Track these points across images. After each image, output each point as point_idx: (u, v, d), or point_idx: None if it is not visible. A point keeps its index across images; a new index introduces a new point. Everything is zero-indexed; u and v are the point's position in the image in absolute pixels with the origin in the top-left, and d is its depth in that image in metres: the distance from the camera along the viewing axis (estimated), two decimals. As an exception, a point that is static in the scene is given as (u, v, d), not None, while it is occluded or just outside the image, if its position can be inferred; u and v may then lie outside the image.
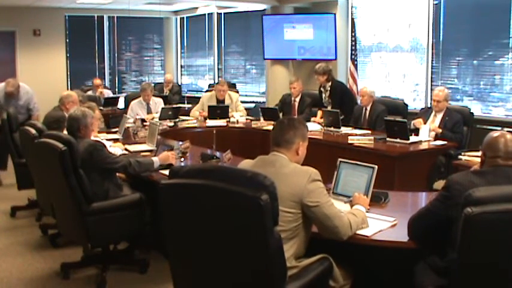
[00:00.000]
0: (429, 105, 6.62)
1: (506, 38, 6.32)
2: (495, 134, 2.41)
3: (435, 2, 7.04)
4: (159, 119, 6.36)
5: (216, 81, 9.67)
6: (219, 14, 10.64)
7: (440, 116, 5.40)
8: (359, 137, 5.30)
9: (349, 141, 5.23)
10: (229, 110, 6.89)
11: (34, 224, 5.00)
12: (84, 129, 3.69)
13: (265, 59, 8.96)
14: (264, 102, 9.25)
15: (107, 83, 10.97)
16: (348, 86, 7.48)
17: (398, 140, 5.08)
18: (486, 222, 2.00)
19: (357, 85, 7.71)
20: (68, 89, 9.53)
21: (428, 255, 2.43)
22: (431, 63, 7.18)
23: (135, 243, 4.14)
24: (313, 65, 7.11)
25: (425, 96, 7.25)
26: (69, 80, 10.59)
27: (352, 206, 2.79)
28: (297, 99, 6.97)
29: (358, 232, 2.52)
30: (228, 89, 7.29)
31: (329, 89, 6.66)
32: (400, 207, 3.04)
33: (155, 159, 4.02)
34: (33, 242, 4.58)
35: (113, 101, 8.66)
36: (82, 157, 3.51)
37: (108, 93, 9.10)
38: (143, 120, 6.37)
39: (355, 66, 7.85)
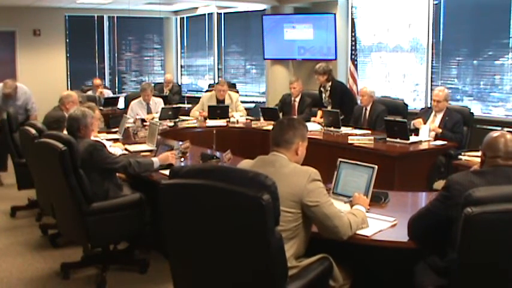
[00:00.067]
0: (429, 105, 6.62)
1: (506, 38, 6.32)
2: (495, 134, 2.41)
3: (435, 2, 7.04)
4: (159, 119, 6.36)
5: (216, 81, 9.67)
6: (219, 14, 10.64)
7: (440, 116, 5.40)
8: (359, 137, 5.30)
9: (349, 141, 5.23)
10: (229, 110, 6.89)
11: (34, 224, 5.00)
12: (84, 129, 3.69)
13: (265, 59, 8.96)
14: (264, 102, 9.26)
15: (107, 83, 10.97)
16: (348, 86, 7.48)
17: (398, 140, 5.08)
18: (486, 222, 2.01)
19: (357, 85, 7.71)
20: (68, 89, 9.54)
21: (428, 255, 2.43)
22: (431, 63, 7.18)
23: (135, 243, 4.14)
24: (313, 65, 7.11)
25: (425, 96, 7.25)
26: (69, 80, 10.59)
27: (352, 206, 2.79)
28: (297, 99, 6.97)
29: (358, 232, 2.52)
30: (228, 89, 7.29)
31: (329, 89, 6.66)
32: (400, 207, 3.04)
33: (155, 159, 4.02)
34: (33, 242, 4.58)
35: (113, 101, 8.66)
36: (82, 157, 3.51)
37: (108, 93, 9.10)
38: (143, 120, 6.37)
39: (355, 66, 7.85)
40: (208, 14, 10.81)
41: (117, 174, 3.85)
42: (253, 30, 9.76)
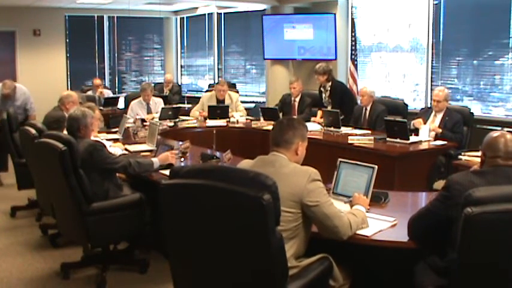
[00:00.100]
0: (429, 105, 6.62)
1: (506, 38, 6.32)
2: (495, 134, 2.41)
3: (435, 2, 7.04)
4: (159, 119, 6.36)
5: (216, 81, 9.67)
6: (219, 14, 10.64)
7: (440, 116, 5.40)
8: (359, 137, 5.30)
9: (349, 141, 5.23)
10: (229, 110, 6.89)
11: (34, 224, 5.00)
12: (84, 129, 3.69)
13: (265, 59, 8.96)
14: (264, 102, 9.26)
15: (107, 83, 10.97)
16: (348, 86, 7.48)
17: (398, 140, 5.08)
18: (486, 222, 2.01)
19: (357, 85, 7.71)
20: (68, 89, 9.54)
21: (428, 255, 2.43)
22: (431, 63, 7.18)
23: (135, 243, 4.14)
24: (313, 65, 7.11)
25: (425, 96, 7.25)
26: (69, 80, 10.59)
27: (352, 206, 2.79)
28: (297, 99, 6.97)
29: (358, 232, 2.52)
30: (228, 89, 7.29)
31: (329, 89, 6.66)
32: (400, 207, 3.04)
33: (155, 159, 4.01)
34: (33, 242, 4.58)
35: (113, 101, 8.65)
36: (82, 157, 3.51)
37: (108, 93, 9.10)
38: (143, 120, 6.37)
39: (355, 66, 7.85)
40: (208, 14, 10.81)
41: (117, 174, 3.85)
42: (253, 30, 9.76)
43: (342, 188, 3.10)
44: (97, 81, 9.20)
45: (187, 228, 2.27)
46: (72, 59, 10.63)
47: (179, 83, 11.18)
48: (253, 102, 9.60)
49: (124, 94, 9.99)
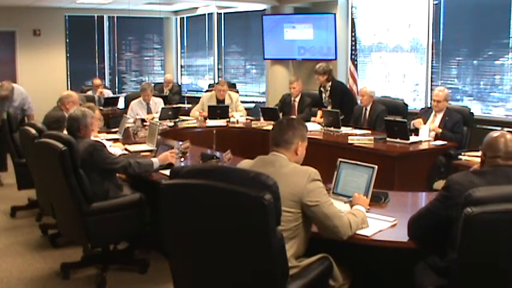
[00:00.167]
0: (429, 105, 6.62)
1: (506, 38, 6.32)
2: (495, 134, 2.41)
3: (435, 2, 7.04)
4: (159, 119, 6.36)
5: (216, 81, 9.67)
6: (219, 14, 10.64)
7: (440, 116, 5.40)
8: (359, 137, 5.30)
9: (349, 141, 5.23)
10: (229, 110, 6.89)
11: (34, 224, 5.00)
12: (84, 129, 3.69)
13: (265, 59, 8.96)
14: (264, 102, 9.25)
15: (107, 83, 10.97)
16: (348, 86, 7.48)
17: (398, 140, 5.08)
18: (486, 222, 2.01)
19: (357, 85, 7.71)
20: (68, 89, 9.52)
21: (428, 255, 2.43)
22: (431, 63, 7.18)
23: (135, 243, 4.14)
24: (313, 65, 7.11)
25: (425, 96, 7.25)
26: (69, 80, 10.58)
27: (352, 206, 2.80)
28: (297, 99, 6.97)
29: (358, 232, 2.52)
30: (228, 89, 7.29)
31: (329, 89, 6.66)
32: (400, 207, 3.04)
33: (155, 160, 4.01)
34: (33, 242, 4.58)
35: (113, 101, 8.66)
36: (82, 157, 3.51)
37: (108, 93, 9.09)
38: (143, 120, 6.37)
39: (355, 66, 7.85)
40: (208, 14, 10.81)
41: (117, 174, 3.85)
42: (253, 30, 9.76)
43: (342, 188, 3.10)
44: (97, 81, 9.20)
45: (188, 228, 2.27)
46: (72, 59, 10.63)
47: (179, 83, 11.18)
48: (253, 102, 9.60)
49: (124, 94, 9.99)
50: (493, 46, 6.50)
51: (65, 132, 3.79)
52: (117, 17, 11.05)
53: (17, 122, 5.52)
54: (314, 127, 5.98)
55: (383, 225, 2.65)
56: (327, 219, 2.41)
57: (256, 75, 10.23)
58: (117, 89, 11.25)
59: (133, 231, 3.88)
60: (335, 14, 8.01)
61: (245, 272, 2.19)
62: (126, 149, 4.93)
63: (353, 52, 7.89)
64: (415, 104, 7.39)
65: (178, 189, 2.27)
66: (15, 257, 4.26)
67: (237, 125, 6.60)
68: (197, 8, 10.69)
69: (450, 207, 2.22)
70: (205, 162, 4.29)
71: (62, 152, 3.38)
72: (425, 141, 5.15)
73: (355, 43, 7.89)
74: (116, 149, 4.67)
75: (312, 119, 6.52)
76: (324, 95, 6.73)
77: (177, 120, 6.67)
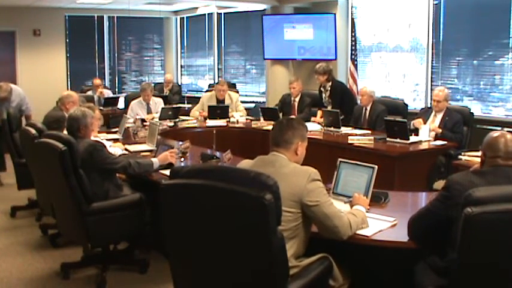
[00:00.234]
0: (429, 105, 6.62)
1: (506, 38, 6.32)
2: (495, 134, 2.41)
3: (435, 2, 7.03)
4: (159, 119, 6.36)
5: (216, 81, 9.67)
6: (219, 14, 10.64)
7: (440, 116, 5.40)
8: (359, 137, 5.31)
9: (349, 141, 5.23)
10: (229, 110, 6.89)
11: (34, 224, 5.00)
12: (84, 129, 3.69)
13: (265, 59, 8.96)
14: (264, 102, 9.25)
15: (107, 83, 10.96)
16: (348, 86, 7.48)
17: (398, 140, 5.08)
18: (486, 222, 2.01)
19: (357, 85, 7.71)
20: (67, 89, 9.52)
21: (428, 255, 2.43)
22: (431, 63, 7.18)
23: (135, 243, 4.14)
24: (313, 65, 7.11)
25: (425, 96, 7.25)
26: (69, 80, 10.58)
27: (352, 206, 2.80)
28: (297, 99, 6.97)
29: (358, 232, 2.52)
30: (228, 89, 7.29)
31: (329, 89, 6.66)
32: (400, 207, 3.04)
33: (155, 160, 4.01)
34: (33, 242, 4.58)
35: (113, 101, 8.66)
36: (82, 157, 3.51)
37: (108, 93, 9.09)
38: (143, 120, 6.38)
39: (355, 66, 7.85)
40: (208, 14, 10.81)
41: (117, 174, 3.85)
42: (253, 30, 9.76)
43: (342, 188, 3.10)
44: (97, 81, 9.20)
45: (188, 228, 2.27)
46: (72, 59, 10.62)
47: (179, 83, 11.17)
48: (253, 102, 9.60)
49: (124, 94, 9.99)
50: (493, 46, 6.50)
51: (65, 132, 3.79)
52: (117, 17, 11.04)
53: (17, 122, 5.51)
54: (314, 127, 5.99)
55: (383, 225, 2.65)
56: (327, 219, 2.41)
57: (256, 75, 10.23)
58: (117, 89, 11.24)
59: (133, 231, 3.88)
60: (335, 14, 8.00)
61: (245, 272, 2.19)
62: (126, 149, 4.93)
63: (353, 52, 7.89)
64: (415, 104, 7.39)
65: (178, 189, 2.27)
66: (15, 257, 4.26)
67: (237, 125, 6.60)
68: (197, 8, 10.68)
69: (450, 207, 2.22)
70: (205, 162, 4.29)
71: (62, 152, 3.38)
72: (425, 141, 5.15)
73: (355, 43, 7.89)
74: (116, 149, 4.67)
75: (312, 119, 6.52)
76: (324, 95, 6.73)
77: (177, 120, 6.67)
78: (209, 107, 6.85)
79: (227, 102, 7.06)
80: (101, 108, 7.80)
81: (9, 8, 9.56)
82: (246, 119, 6.93)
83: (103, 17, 10.97)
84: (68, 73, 10.58)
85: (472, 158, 4.25)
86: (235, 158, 4.21)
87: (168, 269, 2.42)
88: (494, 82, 6.60)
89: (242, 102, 7.54)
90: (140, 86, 7.51)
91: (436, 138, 5.23)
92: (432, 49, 7.15)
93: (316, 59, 7.78)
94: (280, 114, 6.66)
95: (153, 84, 7.74)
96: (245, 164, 2.61)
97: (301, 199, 2.39)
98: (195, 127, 6.53)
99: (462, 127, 5.34)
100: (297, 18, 8.46)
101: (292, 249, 2.39)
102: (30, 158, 4.38)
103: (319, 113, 6.49)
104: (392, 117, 5.71)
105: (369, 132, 5.65)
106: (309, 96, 7.01)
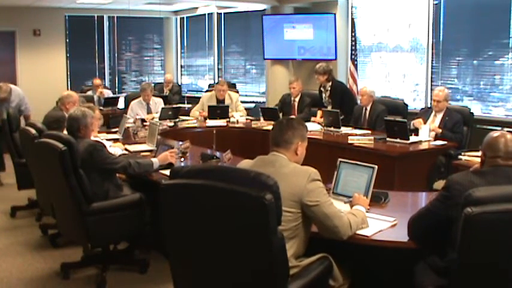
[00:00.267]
0: (429, 105, 6.62)
1: (506, 38, 6.32)
2: (495, 134, 2.41)
3: (435, 2, 7.03)
4: (159, 119, 6.36)
5: (216, 81, 9.67)
6: (219, 14, 10.64)
7: (440, 116, 5.40)
8: (359, 137, 5.31)
9: (349, 141, 5.23)
10: (229, 110, 6.89)
11: (34, 224, 5.00)
12: (84, 129, 3.69)
13: (265, 59, 8.96)
14: (264, 102, 9.25)
15: (107, 83, 10.97)
16: (348, 86, 7.48)
17: (398, 140, 5.08)
18: (486, 222, 2.01)
19: (357, 85, 7.71)
20: (67, 89, 9.52)
21: (428, 255, 2.43)
22: (431, 63, 7.18)
23: (135, 243, 4.14)
24: (313, 65, 7.11)
25: (425, 96, 7.25)
26: (69, 80, 10.58)
27: (352, 206, 2.80)
28: (297, 99, 6.97)
29: (358, 232, 2.52)
30: (228, 89, 7.29)
31: (329, 89, 6.66)
32: (400, 207, 3.04)
33: (154, 160, 4.01)
34: (33, 242, 4.58)
35: (113, 101, 8.66)
36: (82, 157, 3.51)
37: (108, 93, 9.09)
38: (143, 120, 6.38)
39: (355, 66, 7.85)
40: (208, 14, 10.81)
41: (117, 174, 3.85)
42: (253, 30, 9.76)
43: (342, 188, 3.10)
44: (97, 81, 9.20)
45: (188, 228, 2.27)
46: (72, 59, 10.62)
47: (179, 83, 11.17)
48: (253, 102, 9.60)
49: (124, 94, 9.99)
50: (493, 46, 6.50)
51: (65, 132, 3.79)
52: (117, 17, 11.04)
53: (17, 122, 5.51)
54: (314, 127, 5.99)
55: (383, 225, 2.65)
56: (327, 219, 2.41)
57: (256, 75, 10.23)
58: (117, 89, 11.24)
59: (133, 231, 3.88)
60: (335, 14, 8.00)
61: (245, 272, 2.19)
62: (126, 149, 4.93)
63: (353, 52, 7.89)
64: (415, 104, 7.39)
65: (178, 189, 2.27)
66: (15, 257, 4.26)
67: (237, 125, 6.60)
68: (197, 8, 10.68)
69: (450, 207, 2.22)
70: (205, 162, 4.29)
71: (62, 152, 3.38)
72: (425, 141, 5.15)
73: (355, 43, 7.89)
74: (116, 149, 4.67)
75: (312, 119, 6.52)
76: (324, 95, 6.73)
77: (177, 120, 6.67)
78: (209, 107, 6.85)
79: (227, 102, 7.06)
80: (101, 108, 7.80)
81: (9, 8, 9.56)
82: (246, 119, 6.93)
83: (103, 17, 10.97)
84: (68, 73, 10.58)
85: (472, 158, 4.25)
86: (235, 158, 4.21)
87: (168, 269, 2.42)
88: (494, 82, 6.60)
89: (242, 102, 7.54)
90: (140, 86, 7.51)
91: (436, 138, 5.23)
92: (432, 49, 7.15)
93: (316, 59, 7.78)
94: (280, 114, 6.66)
95: (153, 84, 7.74)
96: (245, 164, 2.61)
97: (301, 199, 2.39)
98: (195, 127, 6.53)
99: (462, 127, 5.34)
100: (297, 18, 8.46)
101: (292, 249, 2.39)
102: (30, 158, 4.38)
103: (319, 113, 6.49)
104: (392, 117, 5.71)
105: (369, 132, 5.65)
106: (309, 96, 7.01)
